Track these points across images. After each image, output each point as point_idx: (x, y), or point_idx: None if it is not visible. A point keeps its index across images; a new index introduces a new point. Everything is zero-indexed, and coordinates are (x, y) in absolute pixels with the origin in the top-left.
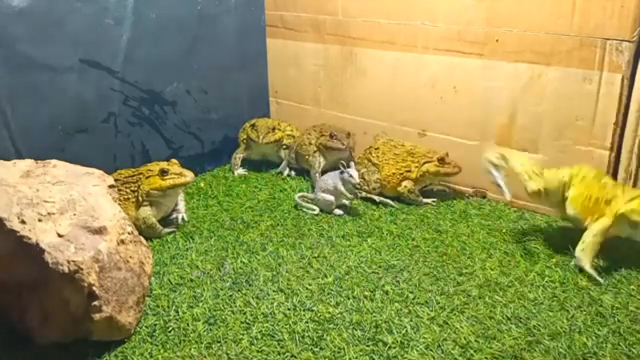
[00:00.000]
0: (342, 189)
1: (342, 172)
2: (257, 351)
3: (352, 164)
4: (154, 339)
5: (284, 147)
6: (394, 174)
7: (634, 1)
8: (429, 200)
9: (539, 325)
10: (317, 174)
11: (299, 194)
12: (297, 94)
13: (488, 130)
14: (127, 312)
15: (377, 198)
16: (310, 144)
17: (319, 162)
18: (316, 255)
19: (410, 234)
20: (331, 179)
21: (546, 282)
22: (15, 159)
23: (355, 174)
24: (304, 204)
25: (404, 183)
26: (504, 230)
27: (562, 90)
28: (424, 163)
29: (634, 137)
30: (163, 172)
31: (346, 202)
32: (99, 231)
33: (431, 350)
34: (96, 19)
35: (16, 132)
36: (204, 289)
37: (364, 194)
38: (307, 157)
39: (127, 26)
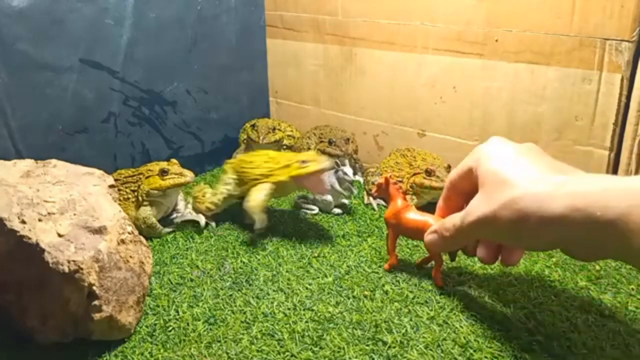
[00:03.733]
0: (339, 188)
1: (336, 171)
2: (257, 350)
3: (346, 162)
4: (154, 339)
5: (285, 147)
6: None
7: (634, 1)
8: None
9: (539, 325)
10: None
11: (300, 195)
12: (297, 94)
13: (488, 130)
14: (127, 312)
15: (365, 198)
16: (309, 149)
17: None
18: (316, 255)
19: None
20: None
21: (546, 282)
22: (16, 158)
23: (349, 171)
24: (303, 205)
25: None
26: None
27: (562, 90)
28: (414, 175)
29: (633, 137)
30: (163, 172)
31: (345, 200)
32: (99, 231)
33: (431, 349)
34: (96, 19)
35: (16, 131)
36: (204, 289)
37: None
38: None
39: (127, 26)
